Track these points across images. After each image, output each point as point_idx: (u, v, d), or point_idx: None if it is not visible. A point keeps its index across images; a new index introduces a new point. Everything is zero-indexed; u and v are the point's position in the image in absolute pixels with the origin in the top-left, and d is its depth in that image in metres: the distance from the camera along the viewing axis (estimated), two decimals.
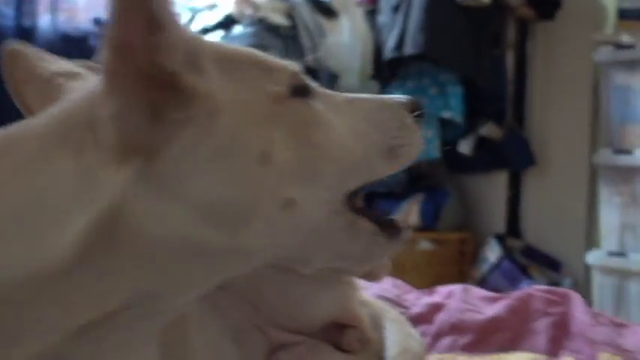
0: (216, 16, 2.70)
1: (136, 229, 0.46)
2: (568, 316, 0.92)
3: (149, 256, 0.47)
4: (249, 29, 2.64)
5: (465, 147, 2.76)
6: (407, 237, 0.65)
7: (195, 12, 2.77)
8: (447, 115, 2.74)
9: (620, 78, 2.41)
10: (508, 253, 2.73)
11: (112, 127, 0.45)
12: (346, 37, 3.32)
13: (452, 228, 2.85)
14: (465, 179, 3.02)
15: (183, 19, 2.75)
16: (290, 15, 2.77)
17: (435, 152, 2.76)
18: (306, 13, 2.80)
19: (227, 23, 2.69)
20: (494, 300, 1.00)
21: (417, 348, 0.82)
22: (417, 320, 0.98)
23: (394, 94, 2.92)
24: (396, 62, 2.81)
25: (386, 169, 0.61)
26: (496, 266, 2.65)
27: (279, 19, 2.73)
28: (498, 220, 2.88)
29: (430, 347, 0.92)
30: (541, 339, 0.90)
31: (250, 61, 0.55)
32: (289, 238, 0.54)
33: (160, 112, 0.46)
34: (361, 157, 0.58)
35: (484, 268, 2.72)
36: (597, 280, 2.42)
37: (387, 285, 1.15)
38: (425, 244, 2.79)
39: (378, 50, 2.91)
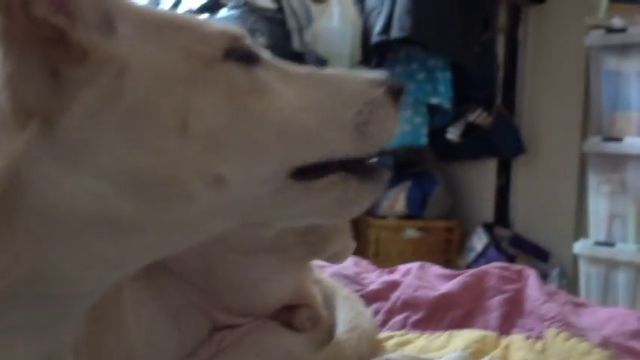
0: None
1: (39, 200, 0.43)
2: (522, 294, 0.88)
3: (55, 232, 0.44)
4: (234, 12, 2.60)
5: (453, 134, 2.70)
6: (386, 178, 0.60)
7: None
8: (435, 101, 2.69)
9: (611, 63, 2.35)
10: (496, 242, 2.68)
11: (8, 88, 0.43)
12: (336, 22, 3.27)
13: (439, 216, 2.80)
14: (453, 167, 2.97)
15: (169, 1, 2.71)
16: None
17: (423, 139, 2.72)
18: None
19: (212, 6, 2.65)
20: (450, 277, 0.96)
21: (367, 325, 0.81)
22: (373, 298, 0.95)
23: None
24: (384, 47, 2.76)
25: (350, 148, 0.55)
26: (482, 255, 2.60)
27: (264, 2, 2.68)
28: (487, 209, 2.83)
29: (383, 324, 0.89)
30: (493, 316, 0.86)
31: (179, 24, 0.51)
32: (224, 215, 0.50)
33: (55, 72, 0.44)
34: (315, 131, 0.52)
35: (470, 256, 2.67)
36: (584, 270, 2.37)
37: (348, 263, 1.11)
38: (411, 232, 2.75)
39: (366, 35, 2.87)
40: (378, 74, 0.59)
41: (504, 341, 0.80)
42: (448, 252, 2.77)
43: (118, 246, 0.46)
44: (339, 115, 0.54)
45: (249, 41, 0.53)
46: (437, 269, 1.04)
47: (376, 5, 2.79)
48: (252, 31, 2.61)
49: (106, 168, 0.44)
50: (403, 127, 2.73)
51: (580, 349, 0.72)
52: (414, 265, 1.03)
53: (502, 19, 2.70)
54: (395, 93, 0.58)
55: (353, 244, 0.81)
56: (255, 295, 0.77)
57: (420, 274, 0.99)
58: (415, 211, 2.77)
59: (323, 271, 1.05)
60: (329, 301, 0.87)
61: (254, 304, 0.78)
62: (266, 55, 0.55)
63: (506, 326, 0.84)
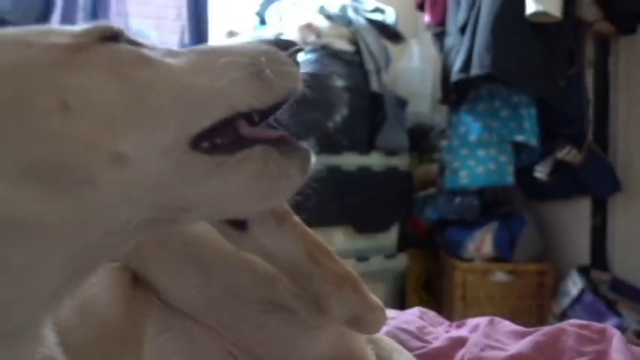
0: None
1: None
2: (605, 357, 0.79)
3: None
4: (311, 56, 2.63)
5: (541, 172, 2.58)
6: (311, 158, 0.55)
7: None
8: (520, 138, 2.59)
9: None
10: (593, 287, 2.50)
11: None
12: (416, 62, 3.26)
13: (529, 259, 2.66)
14: (543, 206, 2.83)
15: None
16: (354, 40, 2.73)
17: (509, 178, 2.61)
18: (371, 38, 2.75)
19: None
20: (522, 335, 0.88)
21: None
22: (436, 356, 0.88)
23: (464, 118, 2.78)
24: (465, 85, 2.70)
25: (251, 98, 0.51)
26: (577, 300, 2.43)
27: (342, 45, 2.70)
28: (581, 251, 2.66)
29: None
30: None
31: (46, 30, 0.50)
32: (134, 198, 0.46)
33: None
34: (208, 88, 0.50)
35: (565, 302, 2.50)
36: None
37: (413, 316, 1.05)
38: (500, 276, 2.62)
39: (446, 73, 2.81)
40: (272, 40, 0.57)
41: None
42: (540, 297, 2.62)
43: (33, 253, 0.44)
44: (230, 68, 0.51)
45: (126, 34, 0.52)
46: (508, 325, 0.96)
47: (455, 43, 2.74)
48: (330, 74, 2.62)
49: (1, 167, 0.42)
50: (488, 166, 2.64)
51: None
52: (482, 320, 0.96)
53: (590, 51, 2.57)
54: (285, 46, 0.55)
55: (382, 311, 0.73)
56: (285, 351, 0.71)
57: (489, 331, 0.91)
58: (503, 253, 2.65)
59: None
60: None
61: None
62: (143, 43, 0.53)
63: None
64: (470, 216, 2.69)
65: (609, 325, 0.86)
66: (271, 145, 0.52)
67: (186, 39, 2.77)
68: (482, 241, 2.66)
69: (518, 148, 2.64)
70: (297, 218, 0.67)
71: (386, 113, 2.75)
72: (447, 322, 1.05)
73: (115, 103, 0.45)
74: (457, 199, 2.72)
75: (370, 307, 0.69)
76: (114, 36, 0.50)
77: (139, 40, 0.52)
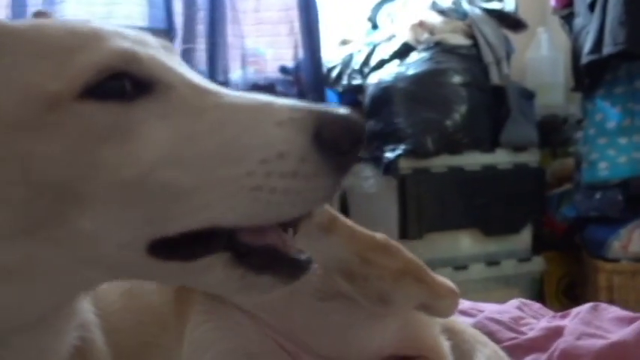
0: (393, 47, 2.64)
1: None
2: None
3: None
4: (426, 54, 2.53)
5: None
6: (305, 271, 0.45)
7: (374, 46, 2.75)
8: None
9: None
10: None
11: None
12: (545, 51, 3.03)
13: None
14: None
15: (364, 53, 2.74)
16: (470, 34, 2.59)
17: None
18: (488, 29, 2.60)
19: (403, 51, 2.61)
20: (630, 321, 0.74)
21: None
22: (529, 348, 0.79)
23: (600, 104, 2.52)
24: (600, 67, 2.45)
25: (239, 216, 0.41)
26: None
27: (457, 40, 2.58)
28: None
29: None
30: None
31: (51, 47, 0.42)
32: (95, 267, 0.44)
33: None
34: (186, 191, 0.40)
35: None
36: None
37: (510, 307, 0.94)
38: None
39: (577, 57, 2.58)
40: (318, 107, 0.42)
41: None
42: None
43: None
44: (224, 173, 0.40)
45: (139, 65, 0.42)
46: (614, 311, 0.81)
47: (585, 23, 2.50)
48: (446, 71, 2.51)
49: None
50: (631, 155, 2.37)
51: None
52: (584, 307, 0.82)
53: None
54: (333, 140, 0.40)
55: (446, 289, 0.66)
56: (343, 341, 0.67)
57: (590, 318, 0.78)
58: None
59: (468, 317, 0.89)
60: (466, 355, 0.73)
61: (345, 351, 0.68)
62: (184, 77, 0.43)
63: None
64: (613, 212, 2.42)
65: None
66: (238, 260, 0.43)
67: (300, 54, 2.80)
68: (629, 239, 2.38)
69: None
70: (343, 221, 0.64)
71: (509, 107, 2.58)
72: (552, 314, 0.92)
73: (77, 181, 0.40)
74: (597, 195, 2.46)
75: (438, 294, 0.67)
76: (118, 74, 0.42)
77: (162, 73, 0.43)
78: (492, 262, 2.57)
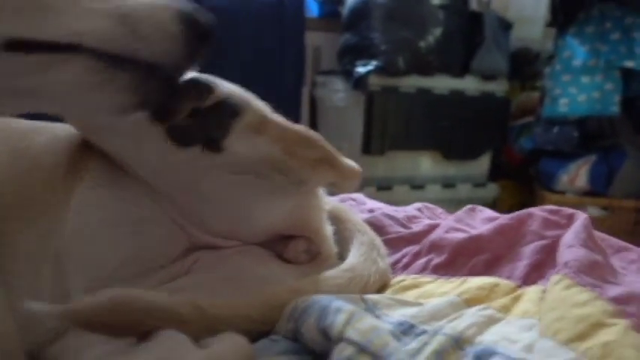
0: None
1: None
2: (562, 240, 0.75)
3: None
4: None
5: None
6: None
7: None
8: (629, 64, 2.37)
9: None
10: None
11: None
12: None
13: (627, 194, 2.46)
14: None
15: None
16: None
17: (614, 108, 2.42)
18: None
19: None
20: (494, 220, 0.85)
21: (367, 271, 0.73)
22: (410, 240, 0.89)
23: (569, 42, 2.57)
24: (574, 5, 2.49)
25: (107, 39, 0.45)
26: None
27: None
28: None
29: (405, 267, 0.83)
30: (521, 265, 0.75)
31: None
32: None
33: None
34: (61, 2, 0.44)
35: None
36: None
37: (412, 209, 1.05)
38: (593, 211, 2.47)
39: None
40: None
41: (519, 292, 0.69)
42: (636, 235, 2.43)
43: None
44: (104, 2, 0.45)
45: None
46: (488, 212, 0.92)
47: None
48: None
49: None
50: (591, 94, 2.45)
51: (575, 300, 0.59)
52: (464, 208, 0.93)
53: None
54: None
55: (352, 171, 0.74)
56: (240, 216, 0.71)
57: (463, 217, 0.89)
58: (598, 187, 2.48)
59: (361, 210, 1.00)
60: (345, 241, 0.80)
61: (239, 227, 0.72)
62: None
63: (533, 276, 0.72)
64: (567, 147, 2.53)
65: (580, 211, 0.81)
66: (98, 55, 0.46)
67: None
68: (576, 174, 2.50)
69: (628, 75, 2.41)
70: (275, 121, 0.67)
71: (484, 35, 2.61)
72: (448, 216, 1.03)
73: None
74: (555, 129, 2.56)
75: (346, 176, 0.74)
76: None
77: None
78: (449, 184, 2.68)
